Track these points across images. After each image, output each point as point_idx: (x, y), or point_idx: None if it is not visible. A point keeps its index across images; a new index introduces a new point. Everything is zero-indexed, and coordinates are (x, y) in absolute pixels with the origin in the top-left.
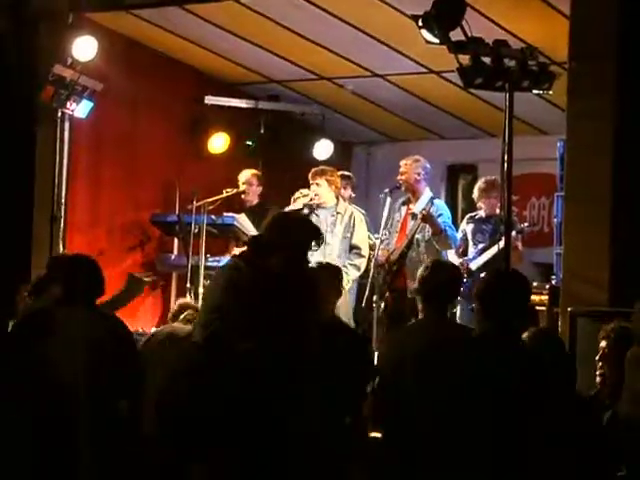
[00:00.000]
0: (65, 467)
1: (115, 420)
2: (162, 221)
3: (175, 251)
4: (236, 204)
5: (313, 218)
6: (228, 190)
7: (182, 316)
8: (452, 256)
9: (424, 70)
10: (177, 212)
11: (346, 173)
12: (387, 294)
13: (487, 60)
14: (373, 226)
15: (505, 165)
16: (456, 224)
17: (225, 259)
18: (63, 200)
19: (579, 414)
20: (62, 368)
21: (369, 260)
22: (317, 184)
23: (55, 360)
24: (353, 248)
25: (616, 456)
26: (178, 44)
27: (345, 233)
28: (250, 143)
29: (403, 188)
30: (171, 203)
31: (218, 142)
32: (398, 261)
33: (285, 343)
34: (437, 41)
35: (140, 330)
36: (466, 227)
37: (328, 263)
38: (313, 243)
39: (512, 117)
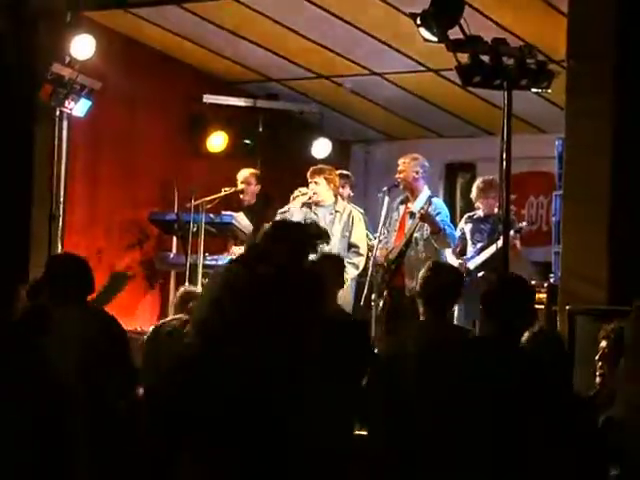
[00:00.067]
0: (62, 468)
1: (113, 420)
2: (161, 220)
3: (174, 250)
4: (234, 203)
5: (312, 216)
6: (226, 189)
7: (189, 306)
8: (449, 255)
9: (422, 68)
10: (176, 211)
11: (344, 172)
12: (385, 293)
13: (486, 58)
14: (371, 225)
15: (504, 163)
16: (454, 222)
17: (223, 258)
18: (62, 199)
19: (577, 414)
20: (57, 367)
21: (368, 259)
22: (316, 183)
23: (51, 359)
24: (351, 247)
25: (612, 456)
26: (176, 43)
27: (344, 232)
28: (248, 142)
29: (401, 186)
30: (170, 202)
31: (216, 141)
32: (397, 260)
33: (284, 343)
34: (435, 39)
35: (138, 329)
36: (464, 227)
37: (330, 253)
38: (319, 241)
39: (511, 115)
